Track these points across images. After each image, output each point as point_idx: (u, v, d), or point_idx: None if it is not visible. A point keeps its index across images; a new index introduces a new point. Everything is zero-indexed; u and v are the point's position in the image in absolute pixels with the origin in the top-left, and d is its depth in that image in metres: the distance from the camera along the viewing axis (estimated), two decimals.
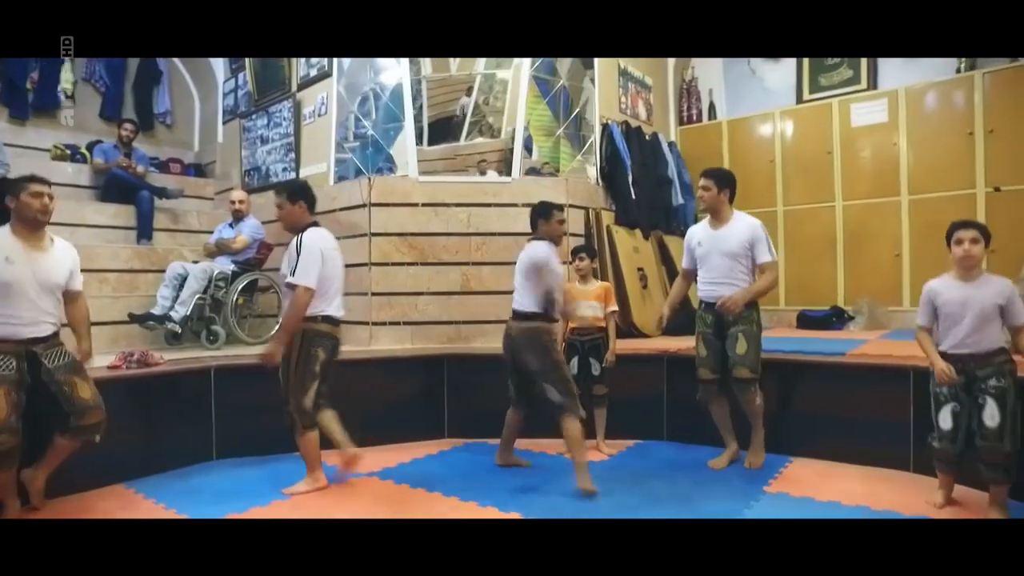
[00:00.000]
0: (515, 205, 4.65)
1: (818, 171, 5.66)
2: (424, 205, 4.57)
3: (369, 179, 4.53)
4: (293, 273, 2.98)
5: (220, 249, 4.79)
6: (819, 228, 5.63)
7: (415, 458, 3.71)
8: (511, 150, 4.83)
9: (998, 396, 2.57)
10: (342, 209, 4.67)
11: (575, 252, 3.92)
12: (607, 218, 5.08)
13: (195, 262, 4.75)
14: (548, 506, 2.90)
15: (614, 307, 3.93)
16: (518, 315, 3.20)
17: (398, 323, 4.55)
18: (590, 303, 3.82)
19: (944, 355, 2.69)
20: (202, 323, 4.51)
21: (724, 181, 3.38)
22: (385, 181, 4.59)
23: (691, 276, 3.57)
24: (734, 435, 3.48)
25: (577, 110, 5.07)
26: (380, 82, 4.75)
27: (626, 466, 3.57)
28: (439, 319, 4.57)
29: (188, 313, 4.41)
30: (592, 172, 5.19)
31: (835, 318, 5.27)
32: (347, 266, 4.49)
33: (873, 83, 5.58)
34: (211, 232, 5.12)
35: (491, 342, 4.49)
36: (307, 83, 5.40)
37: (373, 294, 4.51)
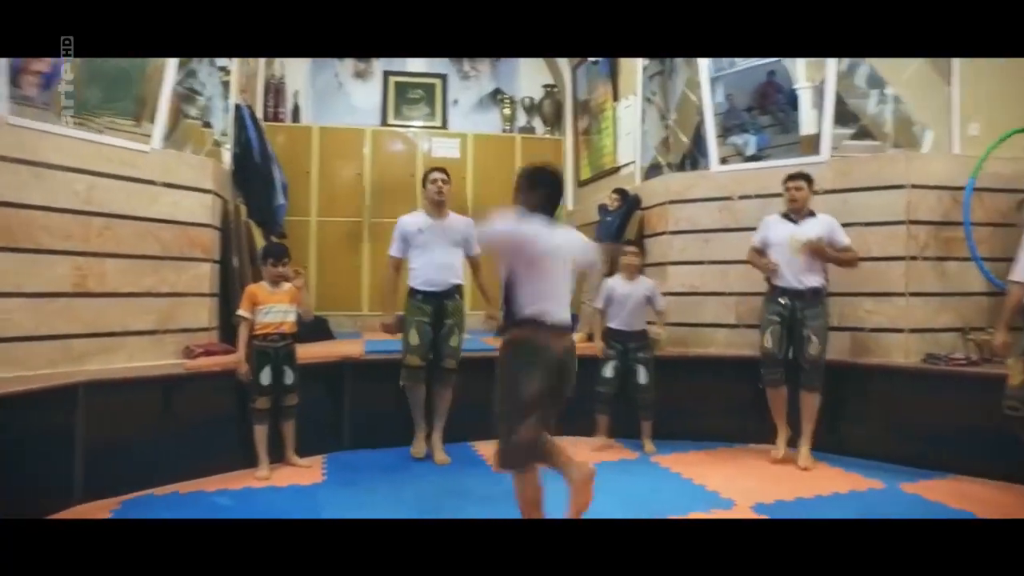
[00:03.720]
0: (153, 183, 3.63)
1: (403, 190, 6.27)
2: (17, 161, 3.07)
3: None
4: None
5: None
6: None
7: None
8: None
9: (645, 363, 3.87)
10: None
11: (275, 255, 3.48)
12: (243, 212, 4.44)
13: None
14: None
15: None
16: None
17: None
18: (283, 307, 3.45)
19: (613, 329, 3.90)
20: None
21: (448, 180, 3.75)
22: None
23: (399, 265, 3.73)
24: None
25: (217, 85, 4.27)
26: None
27: (376, 482, 3.33)
28: (34, 333, 3.14)
29: None
30: (227, 157, 4.44)
31: None
32: None
33: (445, 124, 6.57)
34: None
35: (119, 361, 3.42)
36: None
37: None
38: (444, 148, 6.34)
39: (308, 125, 6.21)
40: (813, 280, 3.52)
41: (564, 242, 2.30)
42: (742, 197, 4.27)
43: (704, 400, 4.10)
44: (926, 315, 3.78)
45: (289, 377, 3.45)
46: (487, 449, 3.88)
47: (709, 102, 4.41)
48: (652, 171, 4.93)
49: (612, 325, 3.93)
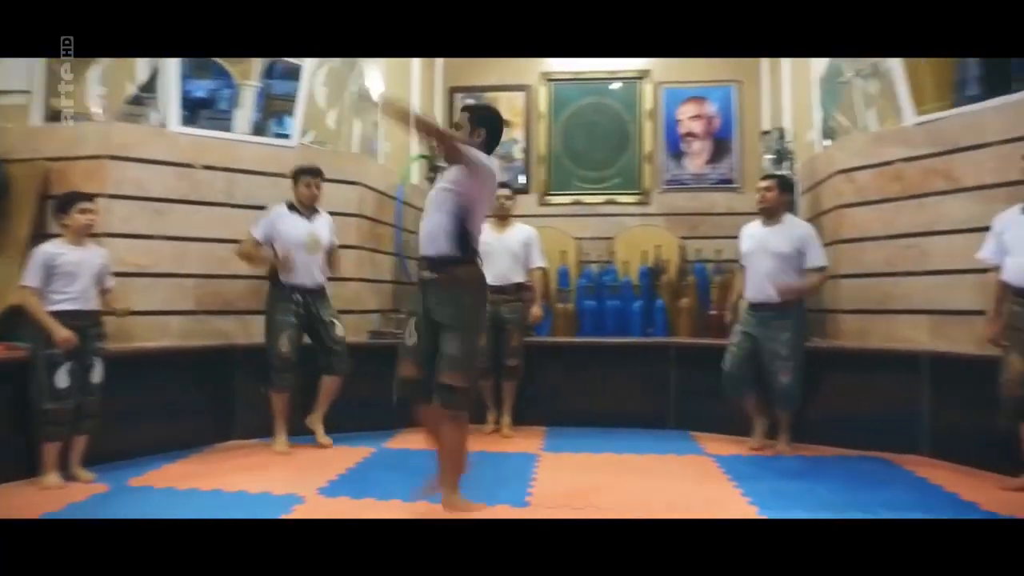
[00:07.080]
0: None
1: None
2: None
3: None
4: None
5: None
6: None
7: None
8: None
9: (102, 356, 3.02)
10: None
11: None
12: None
13: None
14: None
15: None
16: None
17: None
18: None
19: (66, 312, 2.87)
20: None
21: None
22: None
23: None
24: None
25: None
26: None
27: None
28: None
29: None
30: None
31: None
32: None
33: None
34: None
35: None
36: None
37: None
38: None
39: None
40: (321, 277, 3.65)
41: None
42: (207, 167, 3.81)
43: (153, 404, 3.44)
44: (370, 299, 4.39)
45: None
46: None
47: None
48: (57, 115, 3.71)
49: (65, 307, 2.91)
